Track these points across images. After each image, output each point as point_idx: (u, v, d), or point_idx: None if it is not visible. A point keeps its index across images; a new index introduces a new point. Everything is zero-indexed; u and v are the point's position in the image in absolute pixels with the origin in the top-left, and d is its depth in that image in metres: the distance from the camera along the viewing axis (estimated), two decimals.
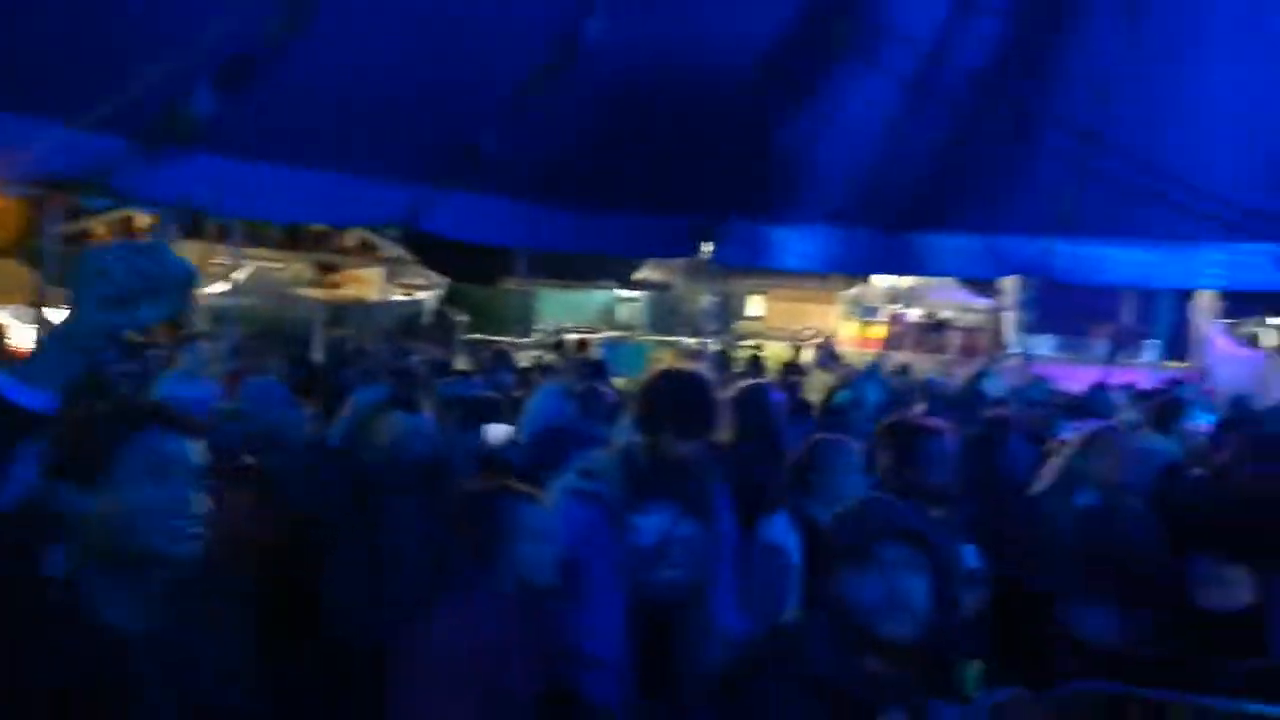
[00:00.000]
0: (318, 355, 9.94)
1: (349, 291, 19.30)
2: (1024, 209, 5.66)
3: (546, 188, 4.99)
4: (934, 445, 3.27)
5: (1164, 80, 4.64)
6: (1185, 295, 11.22)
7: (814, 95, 4.79)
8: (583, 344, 13.70)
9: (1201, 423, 6.15)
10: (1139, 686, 2.91)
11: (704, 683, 1.78)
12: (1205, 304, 11.46)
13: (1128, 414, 5.76)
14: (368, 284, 19.83)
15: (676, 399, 2.57)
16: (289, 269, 18.77)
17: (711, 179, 5.10)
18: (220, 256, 14.80)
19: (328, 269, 19.86)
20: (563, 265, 20.48)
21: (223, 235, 15.95)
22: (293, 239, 19.38)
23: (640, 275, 22.86)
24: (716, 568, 2.65)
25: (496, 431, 4.02)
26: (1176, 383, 9.41)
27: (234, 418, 3.48)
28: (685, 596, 2.59)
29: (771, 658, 1.68)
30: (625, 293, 23.19)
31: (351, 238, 20.28)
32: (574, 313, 21.57)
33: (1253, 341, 11.24)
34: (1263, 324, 11.06)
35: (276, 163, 4.03)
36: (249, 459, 3.16)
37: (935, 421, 3.96)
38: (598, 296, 23.18)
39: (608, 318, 22.46)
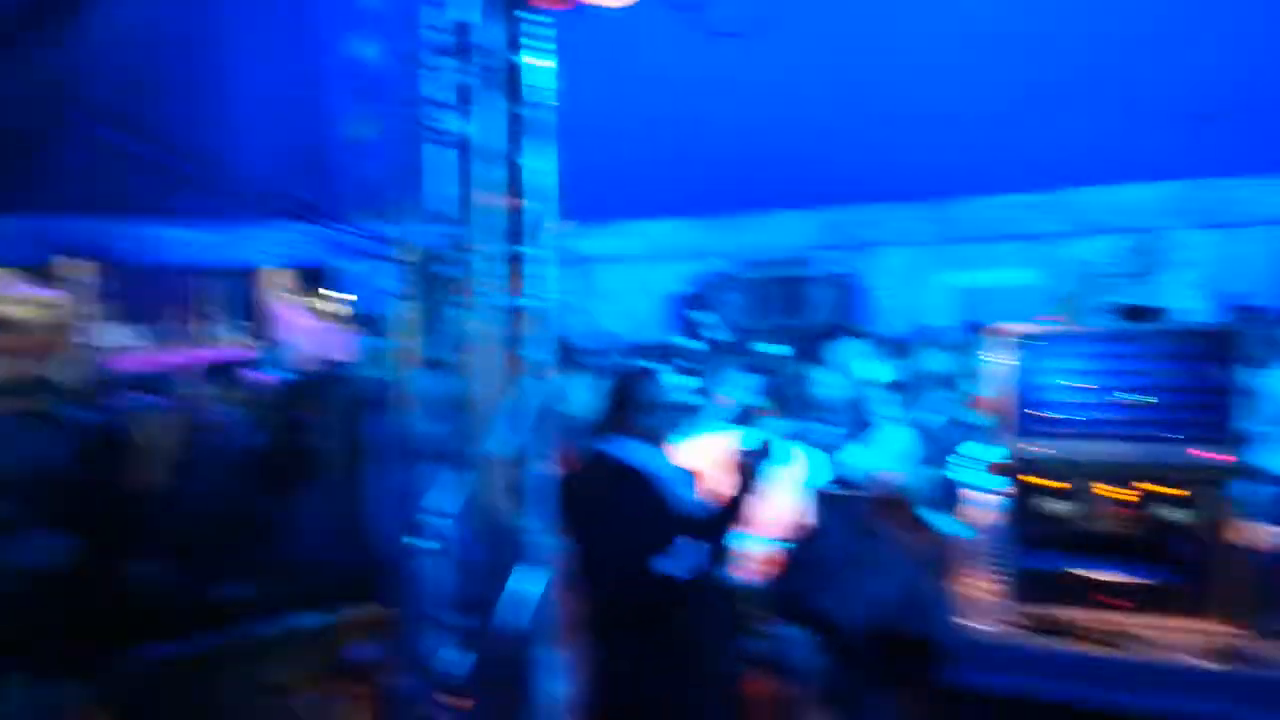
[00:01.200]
0: None
1: None
2: (69, 191, 5.45)
3: None
4: None
5: (193, 72, 4.97)
6: (253, 273, 12.25)
7: None
8: None
9: (268, 381, 7.03)
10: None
11: None
12: (274, 281, 12.71)
13: (202, 386, 6.14)
14: None
15: None
16: None
17: None
18: None
19: None
20: None
21: None
22: None
23: None
24: None
25: None
26: (250, 353, 10.28)
27: None
28: None
29: None
30: None
31: None
32: None
33: (315, 312, 12.93)
34: (319, 296, 12.68)
35: None
36: None
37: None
38: None
39: None
